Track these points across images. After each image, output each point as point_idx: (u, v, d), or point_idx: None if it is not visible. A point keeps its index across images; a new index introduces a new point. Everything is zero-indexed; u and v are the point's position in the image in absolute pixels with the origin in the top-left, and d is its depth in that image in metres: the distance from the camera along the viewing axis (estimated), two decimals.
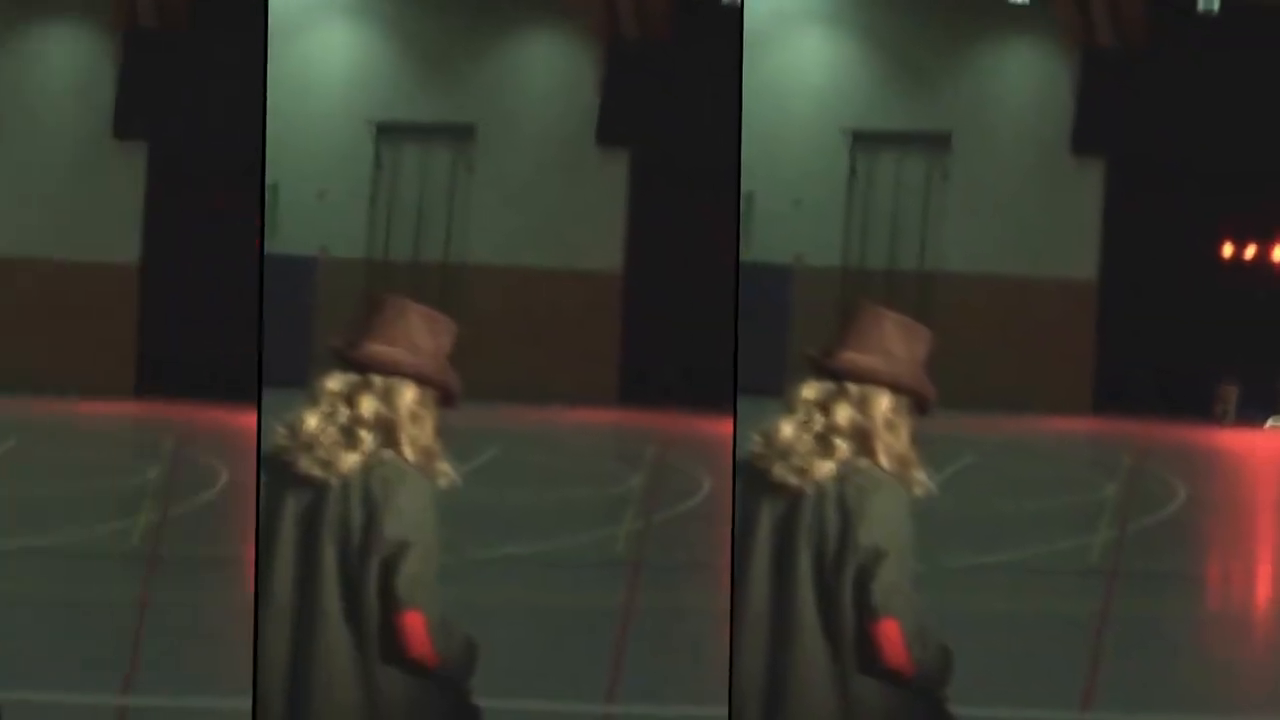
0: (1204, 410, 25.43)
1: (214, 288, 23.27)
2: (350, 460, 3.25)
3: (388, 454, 3.25)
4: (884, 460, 3.25)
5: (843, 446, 3.23)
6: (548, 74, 26.38)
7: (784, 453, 3.27)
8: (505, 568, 9.78)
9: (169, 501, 11.27)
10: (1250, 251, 26.74)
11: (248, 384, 19.32)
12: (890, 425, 3.26)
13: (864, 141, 26.68)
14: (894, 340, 3.31)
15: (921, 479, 3.29)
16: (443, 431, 3.32)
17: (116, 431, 21.00)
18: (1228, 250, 26.65)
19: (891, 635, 3.16)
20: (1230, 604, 9.99)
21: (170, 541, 9.78)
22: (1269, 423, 25.55)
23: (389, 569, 3.17)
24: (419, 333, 3.33)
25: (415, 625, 3.18)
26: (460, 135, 26.41)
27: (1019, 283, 26.13)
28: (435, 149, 26.70)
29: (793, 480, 3.26)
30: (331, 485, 3.25)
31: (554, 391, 24.34)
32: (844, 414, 3.25)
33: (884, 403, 3.26)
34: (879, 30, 26.75)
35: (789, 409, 3.33)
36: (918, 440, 3.30)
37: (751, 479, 3.34)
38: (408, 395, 3.27)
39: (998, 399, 23.78)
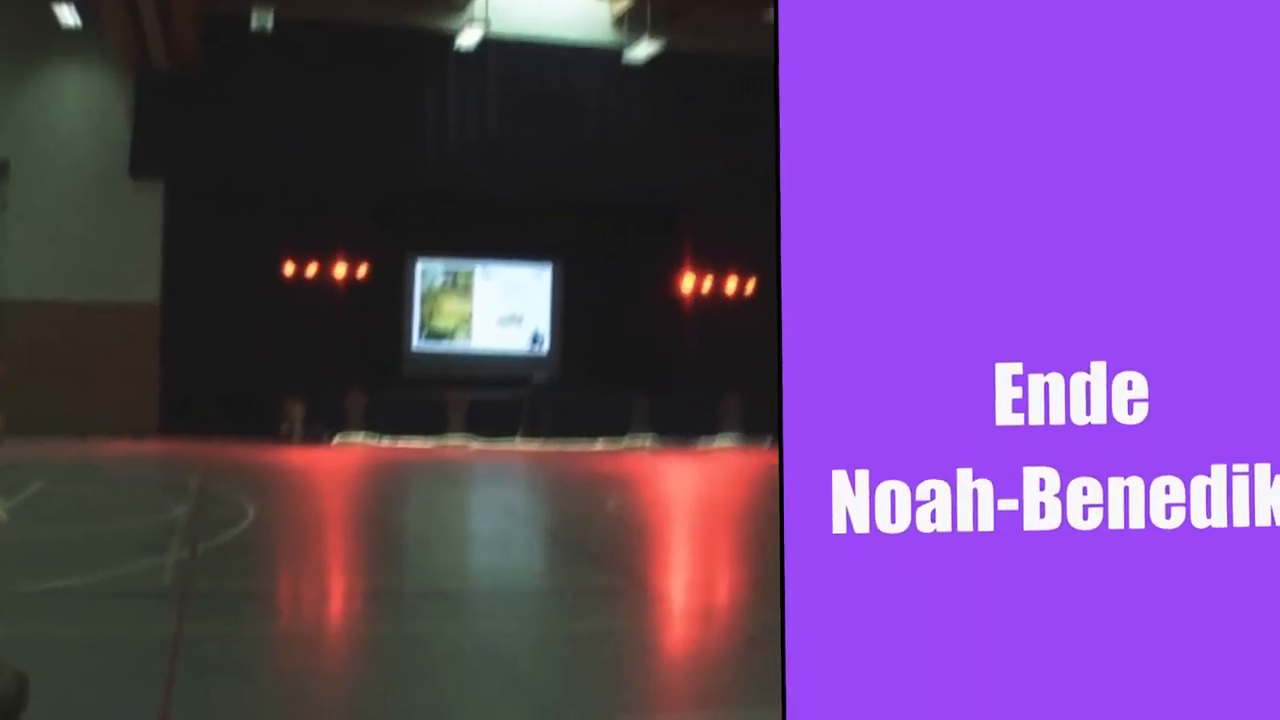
0: (271, 428, 24.92)
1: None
2: None
3: None
4: None
5: None
6: (79, 109, 25.35)
7: None
8: (53, 601, 9.30)
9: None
10: (312, 269, 26.02)
11: None
12: None
13: None
14: None
15: None
16: None
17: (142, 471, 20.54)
18: (290, 269, 25.89)
19: None
20: (301, 620, 9.60)
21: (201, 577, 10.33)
22: (335, 438, 25.18)
23: None
24: None
25: None
26: None
27: (81, 308, 24.95)
28: None
29: None
30: None
31: (97, 424, 24.08)
32: None
33: None
34: None
35: None
36: None
37: None
38: None
39: (66, 424, 23.57)
